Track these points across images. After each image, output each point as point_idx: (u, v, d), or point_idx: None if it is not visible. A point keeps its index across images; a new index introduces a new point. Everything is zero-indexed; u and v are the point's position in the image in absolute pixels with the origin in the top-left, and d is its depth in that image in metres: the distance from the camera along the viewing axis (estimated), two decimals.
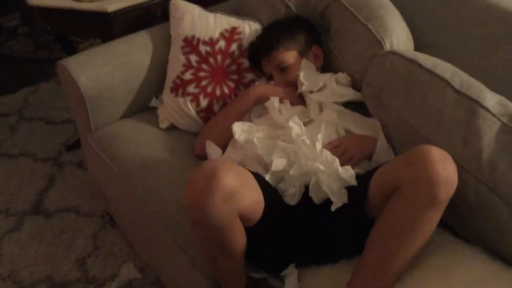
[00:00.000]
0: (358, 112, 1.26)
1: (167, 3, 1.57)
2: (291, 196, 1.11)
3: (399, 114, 1.08)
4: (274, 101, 1.29)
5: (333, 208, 1.02)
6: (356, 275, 0.98)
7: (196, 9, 1.53)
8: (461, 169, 0.95)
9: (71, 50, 2.00)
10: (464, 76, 1.03)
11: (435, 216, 0.88)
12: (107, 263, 1.65)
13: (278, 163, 1.12)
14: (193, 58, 1.47)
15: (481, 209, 0.94)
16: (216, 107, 1.46)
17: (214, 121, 1.43)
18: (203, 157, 1.36)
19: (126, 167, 1.40)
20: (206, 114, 1.46)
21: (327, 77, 1.34)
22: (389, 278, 0.94)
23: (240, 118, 1.34)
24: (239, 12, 1.59)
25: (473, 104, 0.97)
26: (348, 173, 1.04)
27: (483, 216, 0.95)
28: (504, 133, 0.93)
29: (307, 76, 1.34)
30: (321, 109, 1.29)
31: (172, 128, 1.52)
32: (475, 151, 0.94)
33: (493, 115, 0.95)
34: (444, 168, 0.85)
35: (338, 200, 1.02)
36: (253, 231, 1.02)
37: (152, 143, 1.47)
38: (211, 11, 1.55)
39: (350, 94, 1.29)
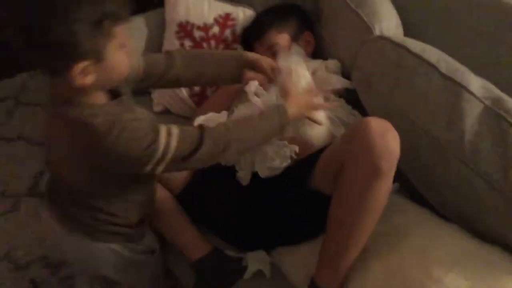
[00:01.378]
0: (346, 99, 1.28)
1: None
2: (241, 177, 1.17)
3: (387, 98, 1.10)
4: (251, 85, 1.31)
5: (274, 165, 1.09)
6: (322, 253, 1.01)
7: None
8: (443, 150, 0.99)
9: None
10: (451, 60, 1.05)
11: (383, 186, 0.90)
12: None
13: None
14: (187, 43, 1.49)
15: (462, 188, 0.97)
16: (209, 92, 1.49)
17: (206, 104, 1.45)
18: None
19: None
20: (199, 99, 1.49)
21: (317, 63, 1.36)
22: (351, 253, 0.97)
23: (231, 100, 1.36)
24: None
25: (458, 88, 0.99)
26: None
27: (464, 195, 0.97)
28: (487, 116, 0.95)
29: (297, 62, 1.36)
30: None
31: (165, 112, 1.55)
32: (458, 133, 0.96)
33: (477, 98, 0.97)
34: (384, 139, 0.87)
35: (280, 161, 1.08)
36: (212, 209, 1.16)
37: None
38: None
39: (339, 81, 1.31)
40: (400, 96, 1.08)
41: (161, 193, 1.20)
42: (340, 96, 1.29)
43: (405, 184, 1.13)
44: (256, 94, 1.20)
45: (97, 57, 0.80)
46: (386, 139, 0.88)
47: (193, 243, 1.19)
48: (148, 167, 0.87)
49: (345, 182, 0.93)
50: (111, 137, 0.82)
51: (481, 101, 0.97)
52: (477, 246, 0.94)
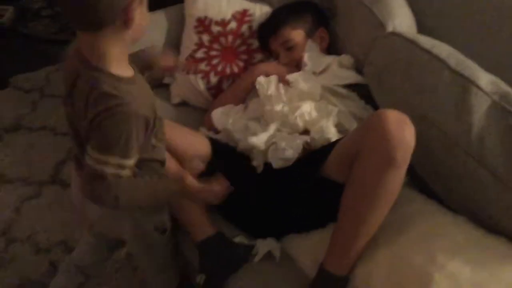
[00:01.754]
0: (359, 94, 1.31)
1: None
2: (256, 166, 1.21)
3: (398, 92, 1.13)
4: (261, 80, 1.36)
5: (287, 156, 1.14)
6: (333, 239, 1.04)
7: None
8: (451, 143, 1.01)
9: None
10: (460, 56, 1.08)
11: (397, 176, 0.92)
12: None
13: (257, 140, 1.21)
14: (205, 37, 1.54)
15: (469, 181, 0.99)
16: (225, 85, 1.53)
17: (221, 96, 1.50)
18: (212, 130, 1.43)
19: None
20: (216, 91, 1.53)
21: (330, 59, 1.39)
22: (361, 239, 0.99)
23: (245, 93, 1.41)
24: None
25: (467, 83, 1.02)
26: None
27: (470, 187, 0.99)
28: (494, 110, 0.98)
29: (311, 57, 1.40)
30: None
31: (183, 104, 1.59)
32: (466, 126, 0.99)
33: (485, 93, 1.00)
34: (400, 130, 0.89)
35: (292, 151, 1.13)
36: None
37: (164, 117, 1.53)
38: None
39: (351, 76, 1.34)
40: (410, 91, 1.11)
41: (172, 171, 1.20)
42: (352, 91, 1.32)
43: (414, 178, 1.16)
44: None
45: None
46: (403, 130, 0.90)
47: (200, 223, 1.21)
48: None
49: (359, 171, 0.96)
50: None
51: (489, 96, 1.00)
52: (481, 236, 0.97)
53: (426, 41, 1.11)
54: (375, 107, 1.27)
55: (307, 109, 1.23)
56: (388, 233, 1.03)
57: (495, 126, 0.97)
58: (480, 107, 0.99)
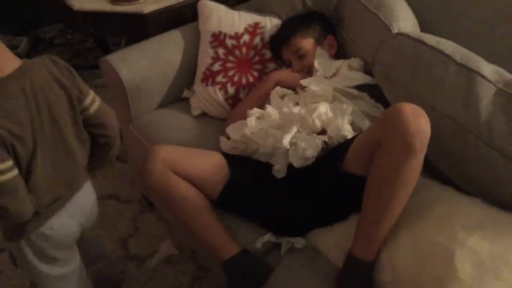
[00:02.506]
0: (370, 94, 1.39)
1: (196, 5, 1.74)
2: (277, 170, 1.28)
3: (407, 88, 1.22)
4: (277, 90, 1.47)
5: (306, 155, 1.23)
6: (359, 227, 1.11)
7: (222, 7, 1.70)
8: (462, 129, 1.09)
9: (109, 51, 2.19)
10: (464, 50, 1.16)
11: (416, 163, 1.00)
12: (147, 242, 1.81)
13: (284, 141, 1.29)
14: (221, 51, 1.63)
15: (481, 163, 1.07)
16: (242, 94, 1.62)
17: (239, 106, 1.58)
18: (230, 138, 1.51)
19: None
20: (234, 101, 1.62)
21: (339, 63, 1.48)
22: (386, 224, 1.06)
23: (262, 101, 1.49)
24: (261, 10, 1.75)
25: (472, 74, 1.10)
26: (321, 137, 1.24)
27: (482, 169, 1.07)
28: (500, 97, 1.06)
29: (322, 63, 1.49)
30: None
31: (203, 115, 1.68)
32: (474, 114, 1.07)
33: (490, 81, 1.08)
34: (416, 120, 0.96)
35: (312, 150, 1.22)
36: (252, 201, 1.29)
37: (186, 129, 1.63)
38: (235, 10, 1.72)
39: (361, 78, 1.43)
40: (419, 85, 1.19)
41: (193, 194, 1.29)
42: (363, 91, 1.40)
43: (429, 168, 1.24)
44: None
45: None
46: (419, 120, 0.97)
47: (224, 242, 1.27)
48: None
49: (381, 161, 1.03)
50: None
51: (494, 84, 1.08)
52: (496, 213, 1.04)
53: (431, 39, 1.20)
54: (385, 105, 1.35)
55: (323, 109, 1.31)
56: (409, 217, 1.09)
57: (502, 111, 1.05)
58: (486, 95, 1.07)
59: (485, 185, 1.08)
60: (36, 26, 3.00)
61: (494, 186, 1.07)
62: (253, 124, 1.39)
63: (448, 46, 1.18)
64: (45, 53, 2.99)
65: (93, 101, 1.11)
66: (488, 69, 1.11)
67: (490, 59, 1.16)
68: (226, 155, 1.39)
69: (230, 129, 1.45)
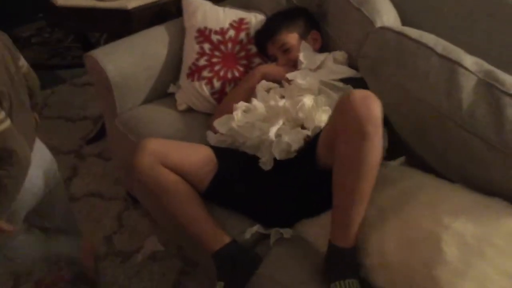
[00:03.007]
0: (355, 87, 1.42)
1: (180, 1, 1.75)
2: (264, 163, 1.31)
3: (392, 80, 1.25)
4: (262, 84, 1.50)
5: (289, 148, 1.27)
6: (333, 216, 1.13)
7: (207, 4, 1.71)
8: (445, 119, 1.13)
9: (90, 48, 2.16)
10: (446, 43, 1.21)
11: (373, 147, 1.02)
12: (132, 239, 1.80)
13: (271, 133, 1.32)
14: (206, 46, 1.64)
15: (464, 150, 1.11)
16: (228, 89, 1.63)
17: (225, 100, 1.59)
18: (217, 132, 1.52)
19: None
20: (220, 96, 1.63)
21: (324, 56, 1.51)
22: (357, 209, 1.09)
23: (248, 95, 1.51)
24: (245, 6, 1.76)
25: (454, 65, 1.15)
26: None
27: (466, 156, 1.11)
28: (480, 86, 1.11)
29: (306, 56, 1.51)
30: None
31: (189, 110, 1.69)
32: (457, 103, 1.11)
33: (471, 72, 1.12)
34: (365, 106, 1.00)
35: (295, 144, 1.26)
36: (241, 195, 1.31)
37: (172, 123, 1.63)
38: (220, 6, 1.73)
39: (346, 71, 1.46)
40: (403, 77, 1.23)
41: (182, 186, 1.29)
42: (347, 83, 1.44)
43: (411, 157, 1.28)
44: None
45: None
46: (369, 106, 1.00)
47: (214, 233, 1.27)
48: None
49: (340, 148, 1.06)
50: None
51: (475, 75, 1.13)
52: (479, 198, 1.08)
53: (413, 32, 1.24)
54: None
55: (308, 102, 1.34)
56: (395, 204, 1.12)
57: (483, 100, 1.09)
58: (468, 84, 1.12)
59: (469, 172, 1.12)
60: (13, 24, 2.94)
61: (478, 173, 1.11)
62: (239, 117, 1.41)
63: (430, 38, 1.22)
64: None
65: (23, 64, 1.35)
66: (469, 60, 1.15)
67: (470, 53, 1.20)
68: (213, 148, 1.40)
69: (217, 123, 1.46)
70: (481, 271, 0.96)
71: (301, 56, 1.51)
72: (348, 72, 1.45)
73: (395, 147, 1.28)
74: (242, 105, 1.44)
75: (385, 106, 1.31)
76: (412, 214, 1.08)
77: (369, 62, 1.32)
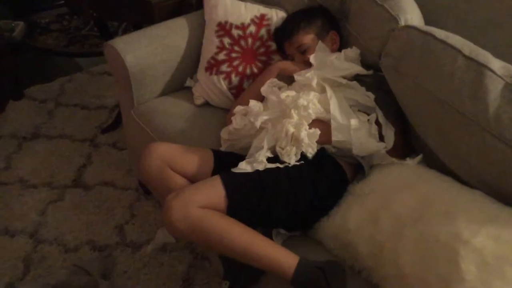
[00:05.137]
0: (361, 84, 1.39)
1: None
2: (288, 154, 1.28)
3: (415, 80, 1.23)
4: (273, 81, 1.49)
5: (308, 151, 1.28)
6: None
7: None
8: (469, 122, 1.11)
9: (108, 37, 2.16)
10: (473, 45, 1.17)
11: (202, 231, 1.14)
12: (143, 230, 1.80)
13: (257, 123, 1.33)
14: (226, 40, 1.63)
15: (487, 155, 1.08)
16: (245, 85, 1.62)
17: (242, 96, 1.58)
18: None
19: (165, 137, 1.55)
20: (237, 91, 1.62)
21: (335, 55, 1.49)
22: (242, 255, 1.15)
23: None
24: (266, 2, 1.74)
25: (481, 67, 1.12)
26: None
27: (488, 161, 1.08)
28: (508, 91, 1.08)
29: (318, 57, 1.49)
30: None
31: (205, 104, 1.68)
32: (483, 107, 1.09)
33: (498, 76, 1.10)
34: (169, 220, 1.12)
35: (312, 148, 1.28)
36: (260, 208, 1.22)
37: (188, 117, 1.63)
38: (241, 0, 1.71)
39: (350, 67, 1.43)
40: (427, 78, 1.20)
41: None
42: (353, 80, 1.41)
43: (428, 157, 1.26)
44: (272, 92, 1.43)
45: None
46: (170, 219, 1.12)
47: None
48: None
49: None
50: None
51: (503, 79, 1.10)
52: (500, 209, 1.05)
53: (440, 32, 1.21)
54: (376, 94, 1.35)
55: (302, 100, 1.33)
56: (411, 213, 1.10)
57: (510, 104, 1.06)
58: (494, 88, 1.09)
59: (490, 177, 1.10)
60: (33, 10, 2.96)
61: (499, 179, 1.08)
62: (238, 121, 1.42)
63: (457, 40, 1.19)
64: (40, 38, 2.97)
65: None
66: (496, 63, 1.12)
67: (495, 57, 1.18)
68: (214, 153, 1.40)
69: (223, 132, 1.48)
70: None
71: (312, 57, 1.49)
72: (352, 68, 1.43)
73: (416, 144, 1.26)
74: (240, 109, 1.45)
75: (406, 106, 1.31)
76: (429, 225, 1.05)
77: (392, 61, 1.30)
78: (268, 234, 1.24)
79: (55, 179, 2.00)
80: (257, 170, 1.24)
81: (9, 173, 2.02)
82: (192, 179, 1.32)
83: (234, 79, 1.61)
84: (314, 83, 1.39)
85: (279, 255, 1.14)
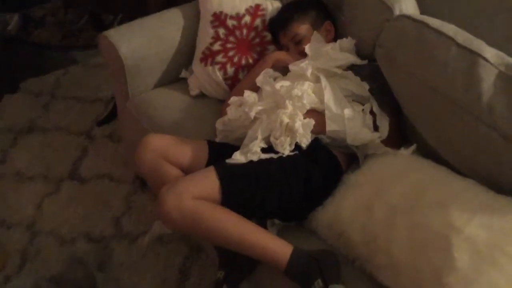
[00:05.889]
0: (355, 74, 1.39)
1: None
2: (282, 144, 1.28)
3: (409, 70, 1.23)
4: (268, 71, 1.48)
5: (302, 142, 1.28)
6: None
7: None
8: (462, 111, 1.11)
9: (104, 30, 2.15)
10: (466, 34, 1.18)
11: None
12: (140, 221, 1.80)
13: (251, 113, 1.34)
14: (221, 31, 1.62)
15: (481, 144, 1.09)
16: (241, 75, 1.61)
17: (237, 86, 1.58)
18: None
19: (161, 129, 1.55)
20: (232, 82, 1.62)
21: (330, 45, 1.48)
22: (235, 244, 1.16)
23: None
24: None
25: (474, 56, 1.12)
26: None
27: (482, 150, 1.09)
28: (501, 80, 1.08)
29: (312, 48, 1.49)
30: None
31: (201, 96, 1.68)
32: (475, 95, 1.09)
33: (492, 64, 1.10)
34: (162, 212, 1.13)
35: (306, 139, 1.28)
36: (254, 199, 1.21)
37: (183, 109, 1.63)
38: None
39: (344, 58, 1.43)
40: (420, 67, 1.20)
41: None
42: (347, 69, 1.41)
43: (421, 147, 1.26)
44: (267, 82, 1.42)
45: None
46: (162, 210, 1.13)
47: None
48: None
49: None
50: None
51: (496, 67, 1.10)
52: (493, 198, 1.05)
53: (434, 21, 1.21)
54: (371, 84, 1.35)
55: (303, 88, 1.34)
56: (404, 201, 1.10)
57: (504, 94, 1.06)
58: (488, 77, 1.09)
59: (484, 166, 1.10)
60: (28, 4, 2.95)
61: (493, 168, 1.09)
62: (232, 112, 1.42)
63: (450, 28, 1.19)
64: (35, 32, 2.96)
65: None
66: (489, 52, 1.12)
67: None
68: (209, 144, 1.40)
69: (218, 123, 1.48)
70: (492, 280, 0.94)
71: (307, 48, 1.49)
72: (347, 58, 1.43)
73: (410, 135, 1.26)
74: (235, 100, 1.45)
75: (400, 96, 1.31)
76: (421, 214, 1.06)
77: (386, 51, 1.30)
78: (262, 224, 1.24)
79: (51, 172, 2.00)
80: (251, 161, 1.24)
81: (5, 167, 2.02)
82: (187, 171, 1.32)
83: (230, 69, 1.61)
84: (308, 73, 1.39)
85: (273, 245, 1.15)
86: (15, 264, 1.66)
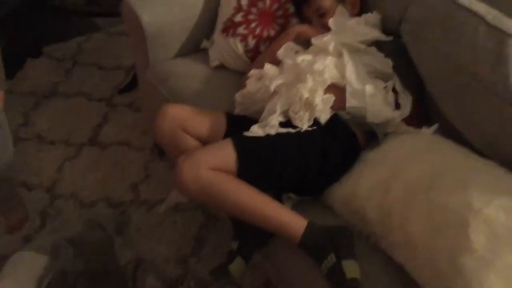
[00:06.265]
0: (379, 49, 1.36)
1: None
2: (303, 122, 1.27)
3: (435, 46, 1.20)
4: (289, 45, 1.47)
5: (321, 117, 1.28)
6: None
7: None
8: (488, 91, 1.08)
9: None
10: (497, 13, 1.14)
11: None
12: (157, 189, 1.83)
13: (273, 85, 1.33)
14: (244, 2, 1.60)
15: (505, 124, 1.07)
16: (262, 48, 1.59)
17: (258, 59, 1.56)
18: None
19: (180, 99, 1.55)
20: (253, 54, 1.60)
21: (355, 19, 1.45)
22: (250, 217, 1.18)
23: None
24: None
25: (504, 36, 1.08)
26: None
27: (505, 131, 1.07)
28: None
29: (336, 21, 1.46)
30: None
31: (221, 67, 1.67)
32: (503, 76, 1.06)
33: None
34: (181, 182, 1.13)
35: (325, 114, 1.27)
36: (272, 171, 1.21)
37: (203, 79, 1.62)
38: None
39: (369, 32, 1.40)
40: (448, 45, 1.18)
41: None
42: (371, 45, 1.38)
43: (443, 127, 1.24)
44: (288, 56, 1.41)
45: None
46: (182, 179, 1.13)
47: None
48: None
49: None
50: None
51: None
52: None
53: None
54: (394, 60, 1.33)
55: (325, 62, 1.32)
56: (423, 181, 1.09)
57: None
58: None
59: (506, 148, 1.08)
60: None
61: None
62: (252, 84, 1.41)
63: (480, 7, 1.15)
64: None
65: None
66: None
67: None
68: (228, 116, 1.40)
69: (237, 95, 1.47)
70: (508, 263, 0.93)
71: (331, 22, 1.46)
72: (371, 33, 1.40)
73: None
74: (255, 72, 1.44)
75: (425, 73, 1.28)
76: (440, 194, 1.05)
77: (413, 26, 1.27)
78: (278, 198, 1.25)
79: (71, 136, 2.04)
80: (269, 135, 1.24)
81: (27, 129, 2.06)
82: (205, 142, 1.33)
83: (251, 42, 1.59)
84: (331, 47, 1.37)
85: (288, 218, 1.16)
86: (36, 225, 1.71)
